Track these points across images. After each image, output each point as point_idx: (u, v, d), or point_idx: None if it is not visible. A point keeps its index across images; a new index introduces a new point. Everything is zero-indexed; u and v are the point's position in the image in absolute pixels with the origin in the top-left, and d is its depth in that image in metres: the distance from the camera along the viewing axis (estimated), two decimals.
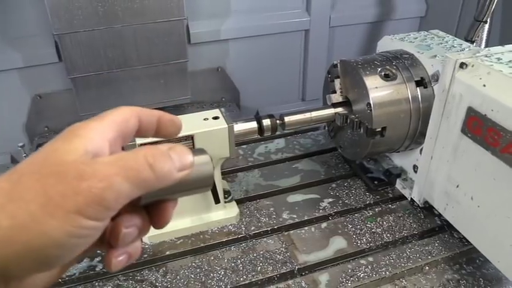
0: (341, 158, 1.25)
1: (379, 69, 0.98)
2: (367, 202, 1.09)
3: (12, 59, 1.90)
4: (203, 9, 2.02)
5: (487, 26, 1.62)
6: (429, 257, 0.95)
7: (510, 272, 0.82)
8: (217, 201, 0.95)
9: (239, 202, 1.08)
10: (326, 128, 1.26)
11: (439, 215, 1.04)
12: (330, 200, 1.10)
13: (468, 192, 0.88)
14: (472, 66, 0.85)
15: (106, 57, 1.86)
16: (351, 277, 0.90)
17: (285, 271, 0.91)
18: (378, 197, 1.11)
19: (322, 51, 2.22)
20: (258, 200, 1.11)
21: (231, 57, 2.16)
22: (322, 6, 2.12)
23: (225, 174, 1.18)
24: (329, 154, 1.28)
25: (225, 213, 1.03)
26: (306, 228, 1.02)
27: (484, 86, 0.81)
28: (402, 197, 1.11)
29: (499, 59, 0.86)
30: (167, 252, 0.96)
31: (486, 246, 0.88)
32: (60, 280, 0.90)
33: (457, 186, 0.91)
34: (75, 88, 1.87)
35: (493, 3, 1.48)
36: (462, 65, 0.85)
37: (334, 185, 1.15)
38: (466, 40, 1.58)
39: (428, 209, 1.06)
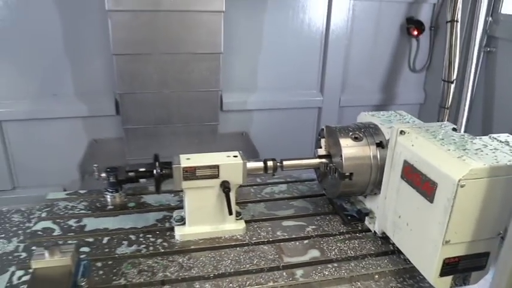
0: (327, 201, 1.72)
1: (351, 133, 1.48)
2: (341, 231, 1.54)
3: (80, 109, 2.50)
4: (235, 84, 2.62)
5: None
6: (379, 268, 1.38)
7: (435, 283, 1.24)
8: (230, 212, 1.43)
9: (247, 222, 1.55)
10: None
11: (393, 244, 1.47)
12: (313, 227, 1.56)
13: (405, 220, 1.33)
14: (408, 133, 1.34)
15: (154, 115, 2.44)
16: (318, 273, 1.33)
17: (272, 266, 1.35)
18: (350, 228, 1.56)
19: None
20: (260, 222, 1.58)
21: (254, 125, 2.72)
22: (333, 89, 2.70)
23: (239, 203, 1.66)
24: (319, 197, 1.75)
25: (236, 226, 1.50)
26: (292, 242, 1.47)
27: (413, 145, 1.30)
28: (368, 230, 1.55)
29: (427, 130, 1.36)
30: (192, 247, 1.43)
31: (417, 260, 1.31)
32: (116, 255, 1.37)
33: (399, 216, 1.36)
34: (126, 137, 2.45)
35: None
36: (402, 132, 1.35)
37: (318, 218, 1.62)
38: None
39: (385, 238, 1.49)
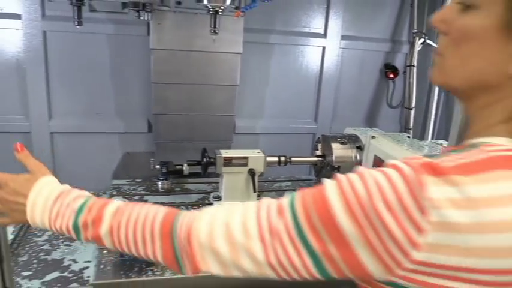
0: None
1: (339, 139, 2.27)
2: None
3: (118, 126, 3.26)
4: (246, 112, 3.41)
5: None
6: None
7: None
8: (254, 190, 2.17)
9: None
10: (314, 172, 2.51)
11: None
12: None
13: None
14: (377, 138, 2.13)
15: (181, 133, 3.18)
16: None
17: None
18: None
19: None
20: None
21: (260, 146, 3.45)
22: (325, 119, 3.52)
23: (259, 191, 2.39)
24: None
25: None
26: None
27: (380, 145, 2.08)
28: None
29: (389, 136, 2.15)
30: None
31: None
32: None
33: None
34: (156, 150, 3.18)
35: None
36: (373, 137, 2.14)
37: None
38: None
39: None
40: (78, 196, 1.01)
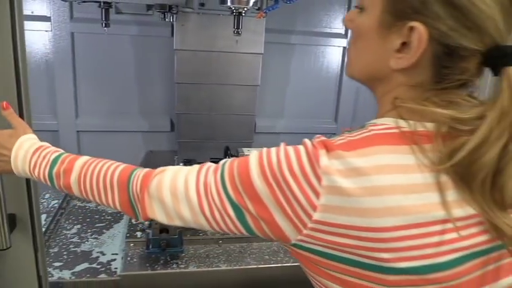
0: None
1: None
2: None
3: (142, 125, 3.36)
4: (267, 111, 3.48)
5: None
6: None
7: None
8: None
9: None
10: None
11: None
12: None
13: None
14: None
15: (202, 132, 3.27)
16: None
17: None
18: None
19: None
20: None
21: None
22: (345, 119, 3.56)
23: None
24: None
25: None
26: None
27: None
28: None
29: None
30: None
31: None
32: None
33: None
34: (179, 149, 3.27)
35: None
36: None
37: None
38: None
39: None
40: (55, 151, 1.14)
